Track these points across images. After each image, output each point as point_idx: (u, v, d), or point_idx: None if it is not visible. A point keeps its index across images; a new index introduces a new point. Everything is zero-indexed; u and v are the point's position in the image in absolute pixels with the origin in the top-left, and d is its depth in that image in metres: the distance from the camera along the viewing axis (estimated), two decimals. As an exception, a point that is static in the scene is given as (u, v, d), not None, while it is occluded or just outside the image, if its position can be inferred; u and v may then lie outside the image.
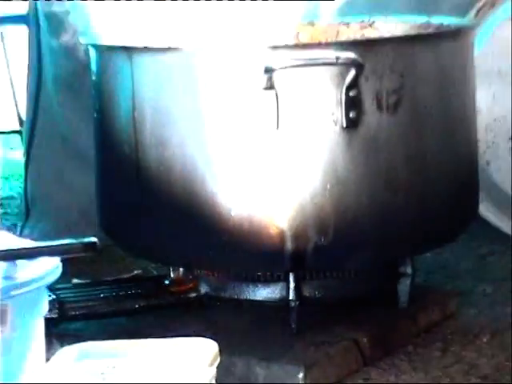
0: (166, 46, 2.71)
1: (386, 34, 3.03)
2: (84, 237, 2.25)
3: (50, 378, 1.54)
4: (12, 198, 4.60)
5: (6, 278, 1.76)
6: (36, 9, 3.61)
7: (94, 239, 1.84)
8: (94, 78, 2.85)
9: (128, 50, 2.65)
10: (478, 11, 3.79)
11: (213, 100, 2.53)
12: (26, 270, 1.81)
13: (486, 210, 3.51)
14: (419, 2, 3.94)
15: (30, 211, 3.72)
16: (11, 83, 5.00)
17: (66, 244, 1.86)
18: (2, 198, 4.64)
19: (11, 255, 1.82)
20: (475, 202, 3.00)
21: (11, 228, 3.77)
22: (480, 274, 3.32)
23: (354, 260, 2.69)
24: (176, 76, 2.58)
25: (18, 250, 1.85)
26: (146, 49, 2.65)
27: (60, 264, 1.86)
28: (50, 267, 1.84)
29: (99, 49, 2.83)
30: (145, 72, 2.63)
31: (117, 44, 2.80)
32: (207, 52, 2.61)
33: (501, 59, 3.67)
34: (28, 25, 3.80)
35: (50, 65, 3.55)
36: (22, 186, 3.85)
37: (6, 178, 5.00)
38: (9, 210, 4.37)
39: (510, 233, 3.63)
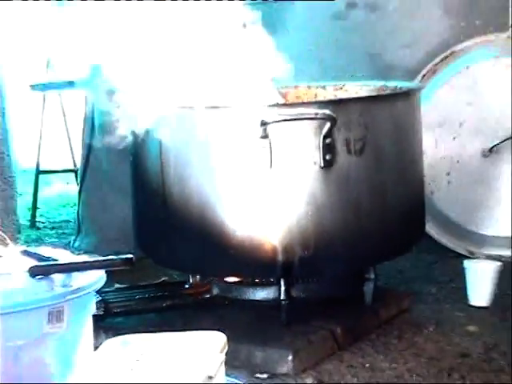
0: (183, 106, 2.75)
1: (353, 95, 3.08)
2: (122, 252, 2.29)
3: (97, 365, 1.56)
4: (68, 221, 4.60)
5: (63, 285, 1.80)
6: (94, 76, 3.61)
7: (130, 256, 1.87)
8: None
9: (157, 113, 2.69)
10: (423, 76, 3.84)
11: (221, 147, 2.56)
12: (79, 278, 1.85)
13: (430, 229, 3.53)
14: (377, 70, 3.99)
15: (80, 229, 3.73)
16: (67, 133, 4.95)
17: (110, 259, 1.90)
18: (61, 222, 4.65)
19: (68, 268, 1.86)
20: (423, 223, 3.04)
21: (67, 245, 3.78)
22: (427, 278, 3.35)
23: (330, 269, 2.74)
24: (192, 130, 2.61)
25: (73, 264, 1.88)
26: (167, 111, 2.68)
27: (105, 274, 1.91)
28: (97, 277, 1.88)
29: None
30: (168, 123, 2.66)
31: (147, 106, 2.84)
32: (217, 110, 2.66)
33: (441, 113, 3.70)
34: (86, 89, 3.77)
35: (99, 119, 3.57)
36: (75, 211, 3.86)
37: (64, 206, 5.01)
38: (66, 231, 4.38)
39: (448, 246, 3.67)
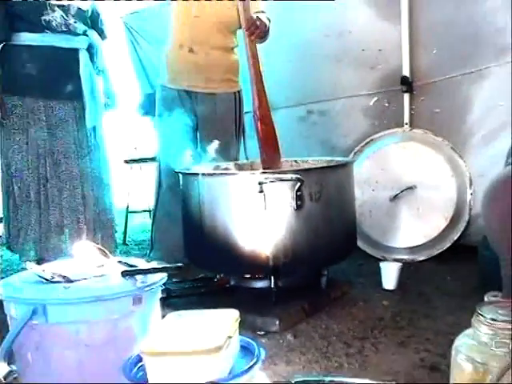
0: (212, 173, 2.74)
1: (313, 166, 3.07)
2: (178, 260, 2.28)
3: (163, 326, 1.56)
4: (145, 240, 4.60)
5: (142, 282, 1.80)
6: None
7: (180, 264, 1.92)
8: (181, 186, 2.86)
9: (197, 176, 2.69)
10: (354, 154, 3.84)
11: (235, 196, 2.57)
12: (151, 277, 1.85)
13: (360, 243, 3.51)
14: (326, 150, 3.99)
15: (153, 245, 3.71)
16: (145, 191, 4.91)
17: (168, 267, 1.91)
18: (141, 241, 4.65)
19: (144, 272, 1.85)
20: (355, 240, 3.03)
21: (144, 256, 3.76)
22: (358, 273, 3.34)
23: (301, 269, 2.74)
24: (218, 185, 2.63)
25: (147, 269, 1.87)
26: (204, 174, 2.68)
27: (166, 275, 1.89)
28: (162, 276, 1.88)
29: (183, 175, 2.86)
30: (204, 183, 2.65)
31: (190, 172, 2.84)
32: (233, 176, 2.66)
33: (365, 175, 3.70)
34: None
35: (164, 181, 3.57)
36: (150, 234, 3.82)
37: (142, 231, 5.02)
38: (144, 246, 4.43)
39: (370, 253, 3.66)
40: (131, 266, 1.90)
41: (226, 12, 3.31)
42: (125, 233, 4.67)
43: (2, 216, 3.79)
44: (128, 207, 4.80)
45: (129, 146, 5.02)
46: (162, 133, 3.54)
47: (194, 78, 3.39)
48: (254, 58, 3.02)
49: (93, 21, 3.54)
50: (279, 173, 2.56)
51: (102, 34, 3.61)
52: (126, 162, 4.78)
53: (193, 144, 3.51)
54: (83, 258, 2.01)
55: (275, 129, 3.05)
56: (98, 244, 3.26)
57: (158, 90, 3.57)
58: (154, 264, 2.00)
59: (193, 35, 3.33)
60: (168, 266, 1.94)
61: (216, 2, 3.18)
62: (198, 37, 3.30)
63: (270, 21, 3.32)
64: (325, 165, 3.01)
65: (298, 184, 2.48)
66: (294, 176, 2.48)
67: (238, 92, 3.52)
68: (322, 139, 4.17)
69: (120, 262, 1.97)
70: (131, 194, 4.81)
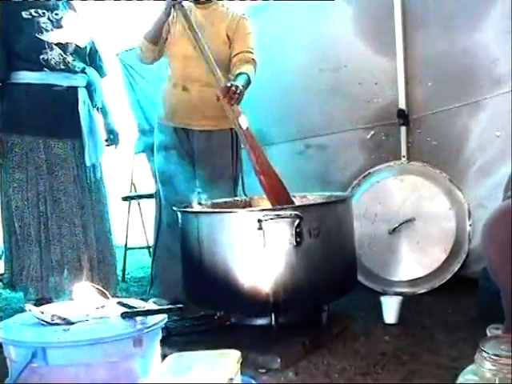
0: (211, 211, 2.74)
1: (312, 202, 3.08)
2: (178, 298, 2.27)
3: (164, 368, 1.55)
4: (144, 277, 4.58)
5: (142, 323, 1.80)
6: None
7: (181, 305, 1.93)
8: (180, 223, 2.86)
9: (196, 213, 2.69)
10: (352, 188, 3.85)
11: (235, 233, 2.56)
12: (152, 318, 1.84)
13: (359, 276, 3.49)
14: (324, 184, 4.00)
15: (152, 282, 3.69)
16: (143, 225, 4.91)
17: (169, 308, 1.92)
18: (140, 278, 4.65)
19: (144, 313, 1.85)
20: (355, 275, 3.03)
21: (144, 292, 3.78)
22: (358, 307, 3.30)
23: (300, 306, 2.72)
24: (217, 223, 2.62)
25: (147, 311, 1.87)
26: (202, 213, 2.69)
27: (166, 316, 1.89)
28: (162, 317, 1.88)
29: (182, 213, 2.86)
30: (202, 221, 2.65)
31: (189, 210, 2.84)
32: (233, 213, 2.66)
33: (364, 209, 3.70)
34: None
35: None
36: (149, 271, 3.82)
37: (142, 268, 4.99)
38: (143, 283, 4.38)
39: (370, 287, 3.66)
40: (131, 307, 1.90)
41: (218, 50, 3.34)
42: (124, 270, 4.65)
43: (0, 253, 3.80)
44: (127, 244, 4.78)
45: (126, 183, 5.01)
46: (160, 169, 3.54)
47: (189, 116, 3.41)
48: (240, 118, 3.05)
49: (91, 58, 3.56)
50: (278, 210, 2.56)
51: (100, 71, 3.63)
52: (124, 198, 4.77)
53: (190, 180, 3.53)
54: (83, 300, 2.01)
55: (278, 174, 3.05)
56: (99, 281, 3.33)
57: (155, 127, 3.59)
58: (154, 304, 2.00)
59: (186, 74, 3.36)
60: (168, 307, 1.95)
61: (208, 40, 3.21)
62: (192, 75, 3.33)
63: (255, 62, 3.38)
64: (323, 201, 3.01)
65: (297, 221, 2.48)
66: (292, 213, 2.48)
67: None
68: (319, 173, 4.18)
69: (119, 303, 1.96)
70: (130, 230, 4.79)
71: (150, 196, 4.19)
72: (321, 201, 3.04)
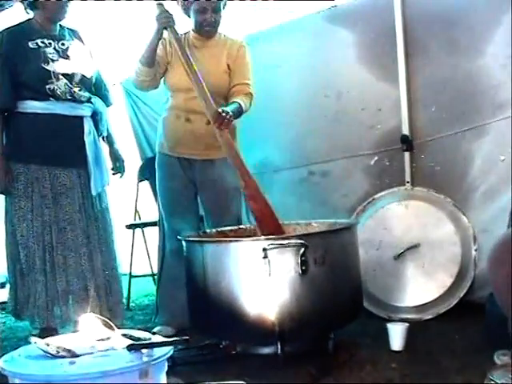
0: (215, 240, 2.75)
1: (317, 230, 3.07)
2: (183, 327, 2.25)
3: None
4: (149, 305, 4.56)
5: (148, 355, 1.79)
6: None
7: (187, 337, 1.89)
8: (185, 252, 2.86)
9: (201, 243, 2.69)
10: (357, 214, 3.84)
11: (240, 263, 2.57)
12: (158, 350, 1.84)
13: (365, 303, 3.46)
14: (328, 211, 3.99)
15: (157, 311, 3.70)
16: (148, 253, 4.88)
17: (174, 340, 1.90)
18: (145, 306, 4.65)
19: (150, 345, 1.84)
20: (361, 302, 3.02)
21: (149, 321, 3.79)
22: (364, 334, 3.25)
23: (307, 334, 2.71)
24: (223, 251, 2.62)
25: (153, 343, 1.86)
26: (207, 242, 2.69)
27: (173, 347, 1.88)
28: (168, 349, 1.87)
29: (187, 242, 2.86)
30: (207, 250, 2.66)
31: (195, 239, 2.84)
32: (238, 242, 2.66)
33: (369, 234, 3.69)
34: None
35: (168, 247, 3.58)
36: (154, 299, 3.83)
37: (146, 296, 4.97)
38: (148, 311, 4.36)
39: (376, 313, 3.62)
40: (136, 338, 1.89)
41: (220, 80, 3.39)
42: (128, 298, 4.64)
43: (4, 281, 3.80)
44: (131, 272, 4.77)
45: (130, 211, 5.01)
46: (164, 197, 3.55)
47: (192, 146, 3.43)
48: (229, 145, 3.08)
49: (97, 87, 3.59)
50: (283, 239, 2.57)
51: (106, 100, 3.66)
52: (129, 226, 4.78)
53: (194, 209, 3.54)
54: (88, 331, 2.00)
55: (267, 200, 3.06)
56: (106, 310, 3.33)
57: (157, 156, 3.60)
58: (159, 335, 1.99)
59: (189, 106, 3.37)
60: (174, 339, 1.94)
61: (209, 72, 3.24)
62: (194, 106, 3.33)
63: (252, 95, 3.42)
64: (328, 228, 3.01)
65: (302, 249, 2.48)
66: (298, 242, 2.48)
67: None
68: (323, 200, 4.17)
69: (125, 335, 1.96)
70: (134, 258, 4.78)
71: (154, 224, 4.17)
72: (326, 229, 3.04)
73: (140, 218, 5.05)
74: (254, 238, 2.78)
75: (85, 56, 3.49)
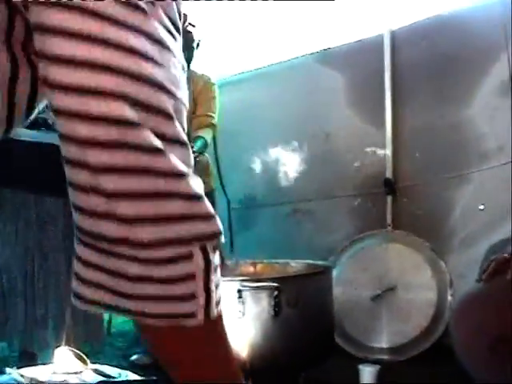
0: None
1: (292, 273, 3.10)
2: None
3: None
4: (128, 332, 4.56)
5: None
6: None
7: (155, 378, 1.93)
8: None
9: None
10: (338, 253, 3.92)
11: None
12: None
13: (341, 342, 3.56)
14: (310, 250, 4.05)
15: (137, 339, 3.75)
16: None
17: (145, 380, 1.94)
18: (125, 332, 4.64)
19: (120, 383, 1.91)
20: (333, 343, 3.04)
21: (127, 348, 3.81)
22: (339, 373, 3.28)
23: (278, 373, 2.74)
24: None
25: (123, 381, 1.92)
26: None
27: None
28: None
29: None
30: None
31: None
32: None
33: (346, 274, 3.76)
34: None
35: None
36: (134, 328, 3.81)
37: (127, 321, 4.91)
38: (128, 338, 4.37)
39: (353, 353, 3.67)
40: (107, 375, 1.96)
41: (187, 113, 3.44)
42: (109, 323, 4.66)
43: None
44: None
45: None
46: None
47: None
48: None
49: None
50: (258, 281, 2.61)
51: None
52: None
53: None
54: (62, 364, 2.07)
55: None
56: (85, 337, 3.36)
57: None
58: (133, 375, 2.04)
59: None
60: (143, 379, 1.98)
61: None
62: None
63: (215, 126, 3.54)
64: (305, 269, 3.06)
65: (276, 292, 2.52)
66: (271, 285, 2.54)
67: (211, 191, 3.61)
68: (307, 238, 4.26)
69: (96, 370, 2.02)
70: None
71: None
72: (303, 269, 3.08)
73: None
74: (229, 278, 2.81)
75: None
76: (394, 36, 4.00)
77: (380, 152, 3.99)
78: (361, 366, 3.10)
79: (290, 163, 4.24)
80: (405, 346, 3.66)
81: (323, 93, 4.17)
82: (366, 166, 4.08)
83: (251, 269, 3.20)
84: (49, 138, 3.38)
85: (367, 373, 3.05)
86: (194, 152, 3.13)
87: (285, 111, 4.27)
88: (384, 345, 3.70)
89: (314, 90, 4.20)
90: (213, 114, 3.52)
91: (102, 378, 1.91)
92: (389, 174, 3.95)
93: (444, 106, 3.81)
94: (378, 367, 3.07)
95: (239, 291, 2.52)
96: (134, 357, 3.46)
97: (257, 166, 4.13)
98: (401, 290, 3.72)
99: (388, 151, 3.96)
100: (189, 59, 3.50)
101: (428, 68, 3.86)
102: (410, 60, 3.94)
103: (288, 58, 4.28)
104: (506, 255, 1.87)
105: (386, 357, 3.63)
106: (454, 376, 3.07)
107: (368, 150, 4.05)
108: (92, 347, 3.38)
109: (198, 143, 3.28)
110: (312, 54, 4.24)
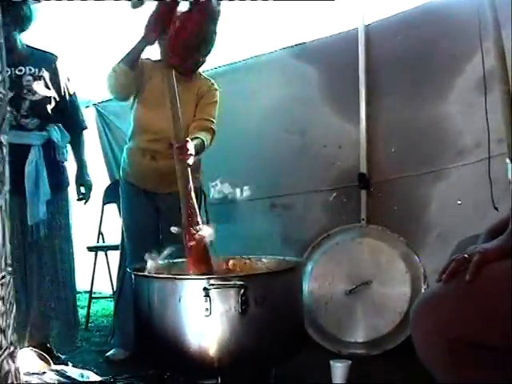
0: (159, 276, 2.81)
1: (260, 270, 3.13)
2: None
3: None
4: (107, 326, 4.60)
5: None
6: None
7: (112, 379, 1.94)
8: (133, 283, 2.90)
9: (146, 277, 2.75)
10: (312, 248, 3.94)
11: (182, 300, 2.59)
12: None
13: (315, 336, 3.60)
14: (286, 244, 4.08)
15: (114, 331, 3.79)
16: (110, 277, 4.94)
17: (101, 381, 1.95)
18: (103, 326, 4.72)
19: None
20: (302, 339, 3.02)
21: (105, 343, 3.86)
22: (313, 367, 3.31)
23: (246, 369, 2.76)
24: (165, 287, 2.66)
25: (82, 382, 1.93)
26: (152, 277, 2.77)
27: None
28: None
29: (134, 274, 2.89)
30: (152, 284, 2.70)
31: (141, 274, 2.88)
32: (182, 281, 2.70)
33: (322, 270, 3.84)
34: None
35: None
36: (112, 321, 3.93)
37: (106, 316, 5.02)
38: (105, 333, 4.40)
39: (327, 347, 3.70)
40: (68, 377, 1.96)
41: (190, 116, 3.43)
42: (87, 318, 4.68)
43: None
44: (91, 293, 4.82)
45: (93, 233, 5.05)
46: (126, 223, 3.62)
47: (157, 182, 3.50)
48: (185, 179, 3.05)
49: (69, 112, 3.58)
50: (225, 279, 2.62)
51: (80, 124, 3.68)
52: (90, 249, 4.83)
53: (156, 237, 3.59)
54: (24, 365, 2.07)
55: (206, 243, 3.00)
56: (56, 334, 3.37)
57: (122, 183, 3.66)
58: (95, 377, 2.04)
59: (156, 148, 3.42)
60: (100, 380, 1.99)
61: (182, 107, 3.23)
62: (162, 151, 3.38)
63: (213, 132, 3.45)
64: (276, 265, 3.08)
65: (243, 290, 2.54)
66: (238, 283, 2.54)
67: (200, 187, 3.60)
68: (284, 232, 4.28)
69: (58, 372, 2.03)
70: (96, 279, 4.83)
71: (115, 247, 4.22)
72: (274, 265, 3.10)
73: (104, 241, 5.10)
74: (196, 276, 2.81)
75: (41, 82, 3.41)
76: (368, 31, 4.00)
77: (355, 147, 4.00)
78: (332, 361, 3.12)
79: (267, 158, 4.26)
80: (379, 339, 3.68)
81: (299, 87, 4.19)
82: (342, 160, 4.10)
83: (223, 265, 3.21)
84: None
85: (338, 368, 3.08)
86: (190, 154, 3.07)
87: (261, 107, 4.27)
88: (359, 339, 3.72)
89: (290, 85, 4.21)
90: (211, 119, 3.48)
91: (63, 380, 1.91)
92: (363, 169, 3.96)
93: (420, 101, 3.82)
94: (349, 362, 3.09)
95: (205, 289, 2.53)
96: (110, 352, 3.47)
97: (234, 161, 4.14)
98: (375, 284, 3.75)
99: (362, 145, 3.97)
100: (201, 63, 3.46)
101: (403, 63, 3.87)
102: (385, 55, 3.95)
103: (263, 53, 4.28)
104: (466, 255, 1.86)
105: (359, 351, 3.65)
106: (425, 371, 3.10)
107: (343, 144, 4.06)
108: (66, 344, 3.41)
109: (195, 141, 3.21)
110: (287, 48, 4.25)
